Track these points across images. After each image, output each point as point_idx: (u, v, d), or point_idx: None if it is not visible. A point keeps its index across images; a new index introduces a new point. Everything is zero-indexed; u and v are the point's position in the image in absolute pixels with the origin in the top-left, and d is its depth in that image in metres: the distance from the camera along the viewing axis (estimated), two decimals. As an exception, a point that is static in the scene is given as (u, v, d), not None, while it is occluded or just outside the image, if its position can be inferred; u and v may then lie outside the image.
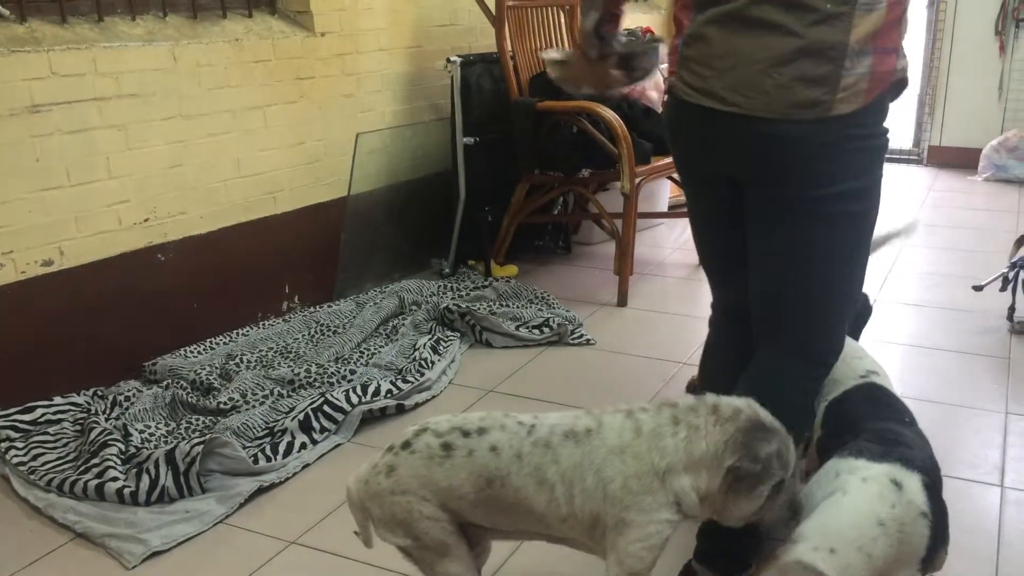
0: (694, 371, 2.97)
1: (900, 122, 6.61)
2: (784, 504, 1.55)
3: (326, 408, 2.59)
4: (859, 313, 2.25)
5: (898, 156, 6.55)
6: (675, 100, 1.72)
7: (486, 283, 3.74)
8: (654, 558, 1.52)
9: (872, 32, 1.51)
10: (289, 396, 2.75)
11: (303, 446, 2.49)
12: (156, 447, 2.41)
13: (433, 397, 2.82)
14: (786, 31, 1.51)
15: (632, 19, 5.52)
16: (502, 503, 1.56)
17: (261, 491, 2.30)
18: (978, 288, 3.33)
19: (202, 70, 3.04)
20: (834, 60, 1.51)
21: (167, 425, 2.58)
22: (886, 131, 1.64)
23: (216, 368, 2.91)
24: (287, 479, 2.37)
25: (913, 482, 1.55)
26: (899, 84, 1.61)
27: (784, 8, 1.51)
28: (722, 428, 1.49)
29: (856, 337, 2.20)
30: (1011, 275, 3.27)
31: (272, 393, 2.74)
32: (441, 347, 3.11)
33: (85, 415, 2.57)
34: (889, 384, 1.92)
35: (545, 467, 1.53)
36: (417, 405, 2.76)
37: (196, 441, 2.32)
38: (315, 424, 2.55)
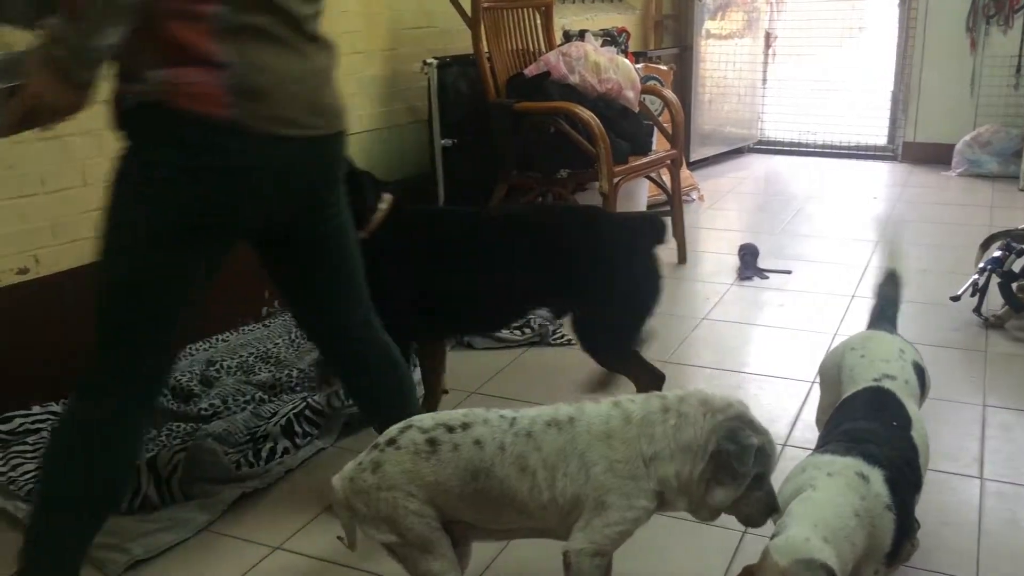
0: (674, 368, 3.00)
1: (875, 120, 6.67)
2: (761, 501, 1.57)
3: (308, 412, 2.58)
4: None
5: (873, 153, 6.62)
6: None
7: (467, 285, 3.73)
8: (623, 541, 1.58)
9: None
10: (271, 401, 2.73)
11: (286, 451, 2.47)
12: (137, 455, 2.39)
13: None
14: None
15: (607, 20, 5.54)
16: (487, 496, 1.58)
17: (244, 497, 2.28)
18: (955, 299, 3.34)
19: (178, 75, 3.01)
20: None
21: (148, 432, 2.56)
22: None
23: (197, 374, 2.89)
24: (270, 485, 2.35)
25: (876, 476, 1.56)
26: None
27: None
28: (712, 418, 1.55)
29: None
30: (981, 281, 3.27)
31: (254, 398, 2.72)
32: (423, 349, 3.10)
33: (64, 424, 2.54)
34: (905, 391, 1.82)
35: (527, 455, 1.57)
36: (400, 408, 2.75)
37: (178, 448, 2.30)
38: (297, 429, 2.54)
